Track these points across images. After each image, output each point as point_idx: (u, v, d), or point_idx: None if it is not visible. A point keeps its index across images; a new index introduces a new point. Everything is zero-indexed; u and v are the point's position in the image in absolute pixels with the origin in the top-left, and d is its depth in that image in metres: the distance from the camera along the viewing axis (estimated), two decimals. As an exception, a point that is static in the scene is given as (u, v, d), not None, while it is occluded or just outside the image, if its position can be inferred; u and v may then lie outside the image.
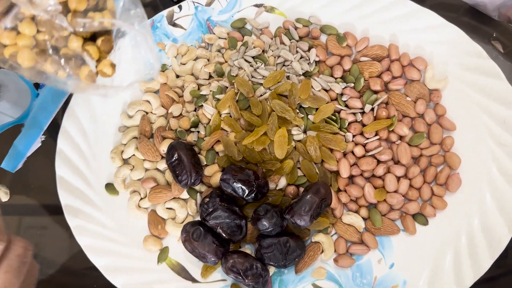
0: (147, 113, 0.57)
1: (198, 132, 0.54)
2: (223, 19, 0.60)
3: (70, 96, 0.57)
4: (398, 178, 0.52)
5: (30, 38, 0.33)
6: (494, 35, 0.60)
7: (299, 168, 0.53)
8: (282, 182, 0.52)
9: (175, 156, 0.51)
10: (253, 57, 0.56)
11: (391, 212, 0.51)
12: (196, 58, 0.59)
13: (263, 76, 0.55)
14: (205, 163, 0.53)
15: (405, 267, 0.50)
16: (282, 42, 0.58)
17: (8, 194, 0.58)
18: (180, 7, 0.60)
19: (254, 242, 0.51)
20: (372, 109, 0.54)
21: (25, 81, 0.58)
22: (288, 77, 0.55)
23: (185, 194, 0.53)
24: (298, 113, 0.53)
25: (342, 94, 0.55)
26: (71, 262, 0.55)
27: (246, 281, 0.47)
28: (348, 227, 0.51)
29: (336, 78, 0.56)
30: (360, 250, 0.50)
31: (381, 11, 0.57)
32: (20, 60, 0.33)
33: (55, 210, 0.55)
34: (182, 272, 0.51)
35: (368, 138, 0.53)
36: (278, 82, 0.54)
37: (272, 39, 0.58)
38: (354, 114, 0.54)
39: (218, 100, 0.54)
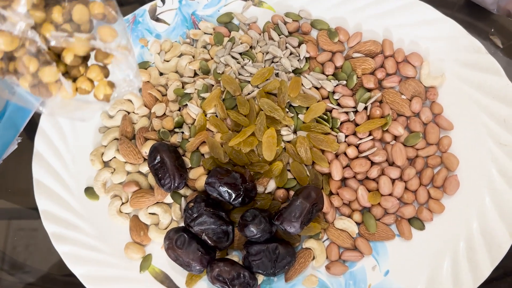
0: (128, 113, 0.55)
1: (183, 132, 0.53)
2: (209, 14, 0.58)
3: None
4: (393, 181, 0.50)
5: None
6: (492, 30, 0.59)
7: (289, 170, 0.51)
8: (271, 186, 0.51)
9: (158, 158, 0.49)
10: (240, 54, 0.55)
11: (385, 216, 0.50)
12: (181, 55, 0.57)
13: (251, 74, 0.54)
14: (190, 165, 0.52)
15: (400, 274, 0.49)
16: (270, 38, 0.56)
17: (-18, 199, 0.57)
18: (163, 1, 0.58)
19: (242, 249, 0.50)
20: (366, 108, 0.52)
21: (-1, 79, 0.56)
22: (277, 75, 0.54)
23: (168, 199, 0.52)
24: (287, 112, 0.52)
25: (334, 92, 0.53)
26: (51, 269, 0.54)
27: None
28: (341, 233, 0.50)
29: (327, 75, 0.54)
30: (354, 256, 0.49)
31: (375, 4, 0.55)
32: None
33: (34, 215, 0.54)
34: (166, 281, 0.50)
35: (361, 139, 0.51)
36: (267, 79, 0.53)
37: (260, 34, 0.57)
38: (347, 113, 0.52)
39: (204, 99, 0.53)
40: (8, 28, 0.31)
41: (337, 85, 0.53)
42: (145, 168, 0.53)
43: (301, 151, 0.50)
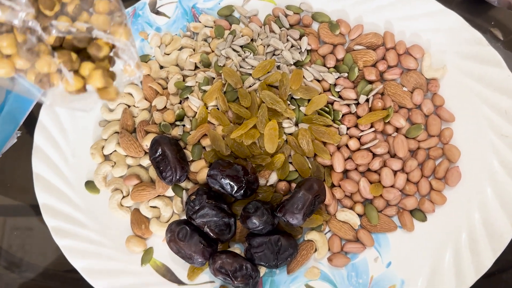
0: (129, 106, 0.55)
1: (184, 125, 0.52)
2: (209, 7, 0.58)
3: (47, 88, 0.54)
4: (395, 172, 0.50)
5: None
6: (492, 23, 0.58)
7: (290, 162, 0.51)
8: (273, 178, 0.51)
9: (159, 151, 0.49)
10: (241, 46, 0.55)
11: (387, 208, 0.50)
12: (181, 48, 0.57)
13: (252, 66, 0.53)
14: (191, 158, 0.51)
15: (402, 266, 0.48)
16: (271, 30, 0.56)
17: (-18, 193, 0.56)
18: (163, -6, 0.57)
19: (244, 242, 0.50)
20: (367, 100, 0.52)
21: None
22: (278, 67, 0.54)
23: (170, 192, 0.52)
24: (289, 104, 0.52)
25: (335, 85, 0.53)
26: (51, 265, 0.53)
27: (235, 282, 0.46)
28: (343, 224, 0.50)
29: (329, 68, 0.54)
30: (356, 248, 0.49)
31: (376, -4, 0.55)
32: None
33: (34, 210, 0.54)
34: (168, 274, 0.50)
35: (363, 131, 0.51)
36: (268, 72, 0.52)
37: (261, 27, 0.57)
38: (348, 105, 0.52)
39: (205, 91, 0.53)
40: (9, 17, 0.30)
41: (338, 77, 0.53)
42: (146, 161, 0.53)
43: (303, 143, 0.50)
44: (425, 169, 0.50)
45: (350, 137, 0.51)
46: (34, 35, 0.31)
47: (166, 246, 0.49)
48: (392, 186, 0.50)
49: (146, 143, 0.51)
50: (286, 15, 0.56)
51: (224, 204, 0.48)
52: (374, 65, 0.54)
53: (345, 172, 0.51)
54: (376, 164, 0.50)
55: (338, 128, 0.52)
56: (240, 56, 0.54)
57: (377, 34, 0.54)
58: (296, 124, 0.52)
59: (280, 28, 0.56)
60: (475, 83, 0.51)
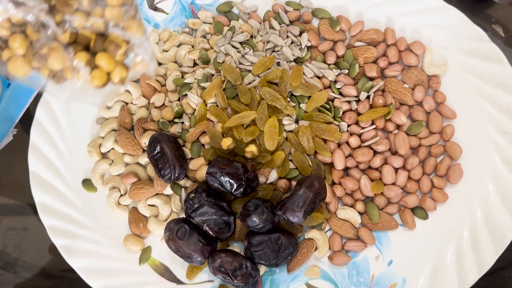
0: (126, 103, 0.55)
1: (182, 123, 0.52)
2: (208, 3, 0.58)
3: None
4: (396, 170, 0.50)
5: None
6: (493, 19, 0.58)
7: (290, 160, 0.51)
8: (273, 176, 0.50)
9: (158, 148, 0.49)
10: (240, 43, 0.54)
11: (388, 206, 0.50)
12: (180, 45, 0.56)
13: (252, 63, 0.53)
14: (190, 156, 0.51)
15: (404, 264, 0.48)
16: (271, 27, 0.55)
17: (-23, 192, 0.56)
18: (161, -10, 0.57)
19: (243, 240, 0.49)
20: (368, 97, 0.52)
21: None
22: (278, 64, 0.53)
23: (168, 190, 0.51)
24: (289, 101, 0.51)
25: (336, 81, 0.53)
26: (48, 264, 0.53)
27: (235, 281, 0.45)
28: (344, 223, 0.49)
29: (329, 64, 0.54)
30: (356, 246, 0.49)
31: (376, -8, 0.55)
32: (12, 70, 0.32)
33: (30, 209, 0.54)
34: (166, 273, 0.49)
35: (363, 128, 0.51)
36: (268, 68, 0.52)
37: (260, 23, 0.56)
38: (349, 102, 0.52)
39: (204, 88, 0.52)
40: (23, 13, 0.30)
41: (339, 74, 0.53)
42: (144, 159, 0.52)
43: (303, 140, 0.49)
44: (426, 166, 0.50)
45: (351, 134, 0.51)
46: (47, 31, 0.31)
47: (165, 245, 0.48)
48: (393, 184, 0.49)
49: (144, 140, 0.51)
50: (286, 11, 0.56)
51: (223, 202, 0.47)
52: (374, 62, 0.53)
53: (346, 169, 0.51)
54: (377, 162, 0.49)
55: (338, 125, 0.51)
56: (240, 52, 0.54)
57: (378, 31, 0.54)
58: (296, 121, 0.51)
59: (280, 24, 0.55)
60: (477, 80, 0.51)
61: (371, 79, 0.53)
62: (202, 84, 0.52)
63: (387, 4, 0.54)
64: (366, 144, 0.50)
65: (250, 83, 0.52)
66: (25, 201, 0.55)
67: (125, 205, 0.52)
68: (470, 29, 0.52)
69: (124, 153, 0.52)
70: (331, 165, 0.51)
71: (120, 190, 0.51)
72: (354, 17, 0.55)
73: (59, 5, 0.31)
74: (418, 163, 0.50)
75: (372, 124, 0.51)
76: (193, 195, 0.47)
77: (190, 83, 0.53)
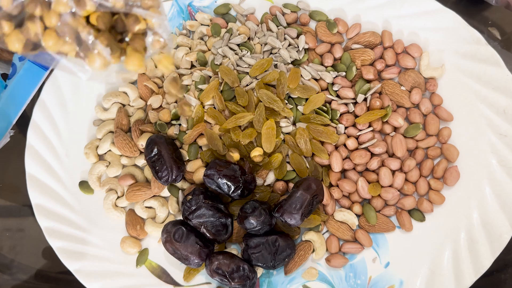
0: (124, 105, 0.54)
1: (180, 125, 0.52)
2: (206, 5, 0.58)
3: (41, 87, 0.55)
4: (393, 172, 0.50)
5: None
6: (490, 22, 0.58)
7: (288, 162, 0.51)
8: (270, 178, 0.50)
9: (155, 150, 0.48)
10: (238, 45, 0.54)
11: (386, 208, 0.50)
12: (177, 46, 0.56)
13: (249, 65, 0.53)
14: (187, 158, 0.51)
15: (401, 266, 0.48)
16: (269, 29, 0.55)
17: (-27, 193, 0.56)
18: (159, -8, 0.56)
19: (241, 242, 0.49)
20: (365, 99, 0.52)
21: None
22: (275, 66, 0.53)
23: (165, 192, 0.51)
24: (286, 103, 0.51)
25: (333, 84, 0.53)
26: (44, 266, 0.53)
27: (232, 284, 0.45)
28: (341, 225, 0.49)
29: (326, 67, 0.54)
30: (354, 248, 0.49)
31: (373, -5, 0.55)
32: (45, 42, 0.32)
33: (25, 211, 0.54)
34: (163, 276, 0.49)
35: (361, 130, 0.51)
36: (265, 71, 0.52)
37: (258, 25, 0.56)
38: (346, 104, 0.52)
39: (201, 90, 0.52)
40: None
41: (336, 76, 0.53)
42: (141, 161, 0.52)
43: (301, 142, 0.49)
44: (423, 168, 0.50)
45: (348, 136, 0.51)
46: (68, 11, 0.31)
47: (162, 247, 0.48)
48: (390, 186, 0.49)
49: (142, 142, 0.51)
50: (283, 14, 0.56)
51: (221, 204, 0.47)
52: (372, 64, 0.53)
53: (343, 171, 0.51)
54: (374, 164, 0.49)
55: (336, 127, 0.51)
56: (237, 54, 0.54)
57: (375, 33, 0.54)
58: (294, 124, 0.51)
59: (277, 26, 0.55)
60: (474, 82, 0.51)
61: (368, 81, 0.53)
62: (200, 86, 0.52)
63: (384, 7, 0.54)
64: (363, 146, 0.50)
65: (247, 85, 0.52)
66: (21, 203, 0.54)
67: (122, 207, 0.51)
68: (467, 31, 0.52)
69: (121, 155, 0.52)
70: (328, 167, 0.51)
71: (117, 192, 0.51)
72: (351, 19, 0.55)
73: None
74: (415, 165, 0.50)
75: (369, 126, 0.51)
76: (190, 197, 0.47)
77: (187, 85, 0.53)
